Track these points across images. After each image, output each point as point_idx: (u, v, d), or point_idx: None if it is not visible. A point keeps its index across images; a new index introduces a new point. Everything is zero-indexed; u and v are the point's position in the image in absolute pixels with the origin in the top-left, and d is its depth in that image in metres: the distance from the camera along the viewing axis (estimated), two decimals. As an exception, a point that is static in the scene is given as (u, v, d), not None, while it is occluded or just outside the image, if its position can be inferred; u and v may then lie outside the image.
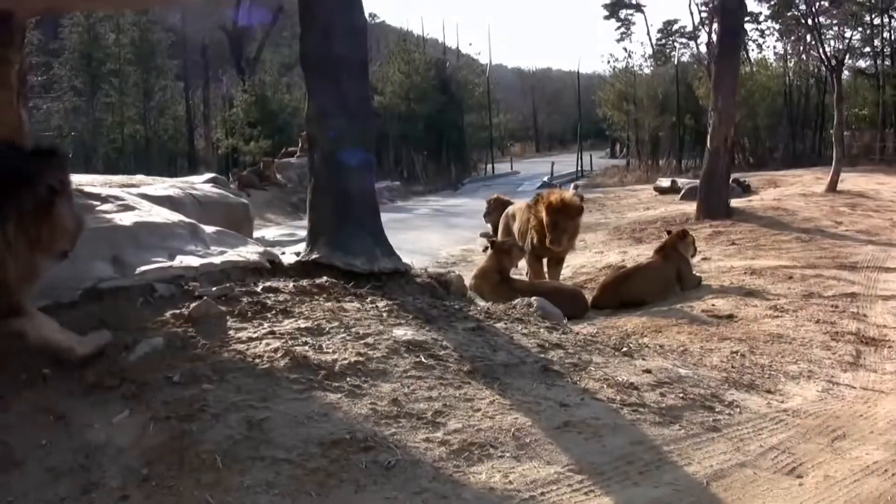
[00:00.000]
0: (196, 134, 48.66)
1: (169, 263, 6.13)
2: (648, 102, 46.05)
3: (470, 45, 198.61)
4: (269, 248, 7.76)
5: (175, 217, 7.24)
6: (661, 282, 10.96)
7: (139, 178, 10.53)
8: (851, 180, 25.90)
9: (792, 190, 25.22)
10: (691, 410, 5.25)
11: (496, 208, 15.18)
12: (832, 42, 40.60)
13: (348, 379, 4.69)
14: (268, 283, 6.27)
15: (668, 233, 11.85)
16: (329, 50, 7.80)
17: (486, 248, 11.85)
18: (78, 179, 7.42)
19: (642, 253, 14.21)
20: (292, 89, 45.55)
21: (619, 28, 67.11)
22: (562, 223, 11.09)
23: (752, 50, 48.94)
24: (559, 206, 11.13)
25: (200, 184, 10.88)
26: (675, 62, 50.62)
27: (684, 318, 9.23)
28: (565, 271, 12.79)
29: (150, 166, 34.04)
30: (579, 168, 45.71)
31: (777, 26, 49.07)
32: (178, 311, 5.35)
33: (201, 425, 4.06)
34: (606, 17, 67.23)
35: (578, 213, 11.44)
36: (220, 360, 4.73)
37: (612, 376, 5.58)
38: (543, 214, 11.19)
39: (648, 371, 5.92)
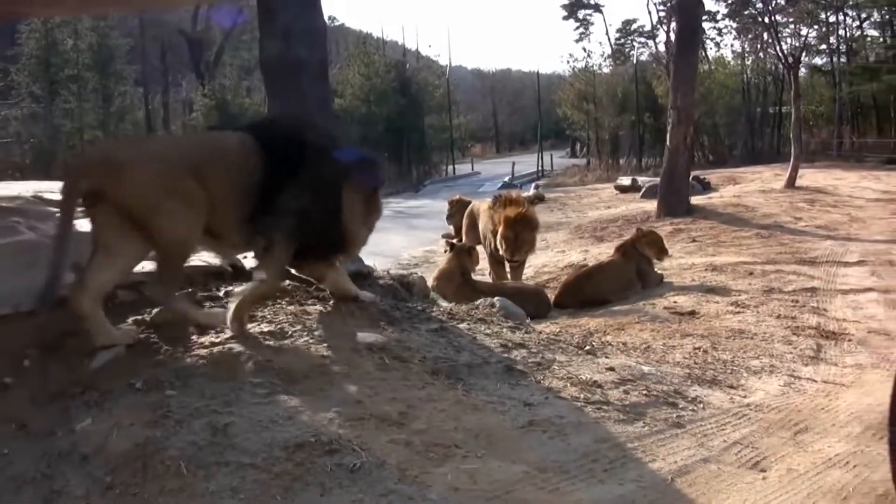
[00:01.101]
0: (156, 139, 48.33)
1: (130, 269, 6.08)
2: (608, 102, 46.34)
3: (430, 46, 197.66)
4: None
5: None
6: (623, 280, 11.03)
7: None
8: (810, 176, 26.20)
9: (751, 187, 25.47)
10: (655, 407, 5.27)
11: (458, 210, 15.21)
12: (789, 40, 41.02)
13: (312, 382, 4.67)
14: (230, 288, 6.23)
15: (638, 231, 11.89)
16: (288, 52, 7.77)
17: (446, 250, 11.89)
18: (37, 187, 7.35)
19: (604, 251, 14.29)
20: (253, 93, 45.40)
21: (577, 28, 67.93)
22: (521, 236, 11.24)
23: (710, 48, 49.64)
24: (517, 219, 11.25)
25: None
26: (635, 61, 51.01)
27: (647, 315, 9.29)
28: (527, 271, 12.83)
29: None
30: (540, 168, 45.83)
31: (734, 24, 49.82)
32: (139, 317, 5.31)
33: (165, 431, 4.03)
34: (565, 18, 67.97)
35: (536, 227, 11.63)
36: (183, 365, 4.69)
37: (576, 375, 5.59)
38: (501, 227, 11.28)
39: (612, 369, 5.94)
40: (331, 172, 5.49)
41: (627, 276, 11.08)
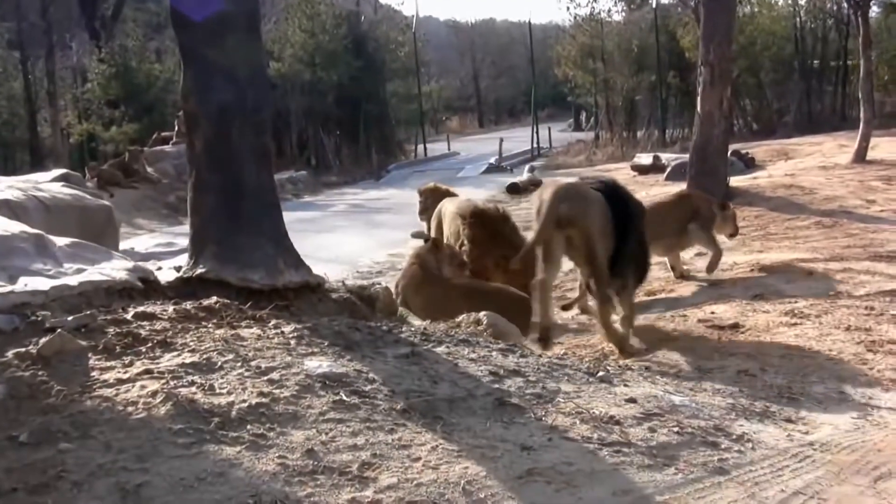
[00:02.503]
0: (39, 118, 48.01)
1: (9, 288, 6.05)
2: (621, 58, 46.14)
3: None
4: (140, 263, 7.69)
5: (15, 227, 7.16)
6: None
7: (-35, 178, 10.41)
8: (885, 147, 26.13)
9: (808, 162, 25.44)
10: (690, 448, 5.28)
11: (433, 201, 15.18)
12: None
13: (249, 427, 4.67)
14: (141, 308, 6.22)
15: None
16: (208, 3, 7.75)
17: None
18: None
19: (620, 250, 14.28)
20: (164, 56, 45.27)
21: (579, -37, 67.55)
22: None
23: (752, -15, 49.25)
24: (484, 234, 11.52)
25: (47, 183, 10.80)
26: (654, 5, 50.66)
27: (676, 330, 9.31)
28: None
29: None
30: (535, 145, 45.73)
31: (783, -49, 49.41)
32: (23, 350, 5.28)
33: (60, 497, 4.01)
34: (563, -50, 67.69)
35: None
36: (81, 410, 4.68)
37: (587, 409, 5.60)
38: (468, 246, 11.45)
39: (633, 400, 5.95)
40: (642, 224, 9.73)
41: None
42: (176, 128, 31.91)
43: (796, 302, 10.16)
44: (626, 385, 6.50)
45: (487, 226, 11.72)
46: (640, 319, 10.19)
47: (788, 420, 6.29)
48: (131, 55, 41.92)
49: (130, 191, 28.47)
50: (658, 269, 13.00)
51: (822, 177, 21.06)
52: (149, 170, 30.39)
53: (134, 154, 30.66)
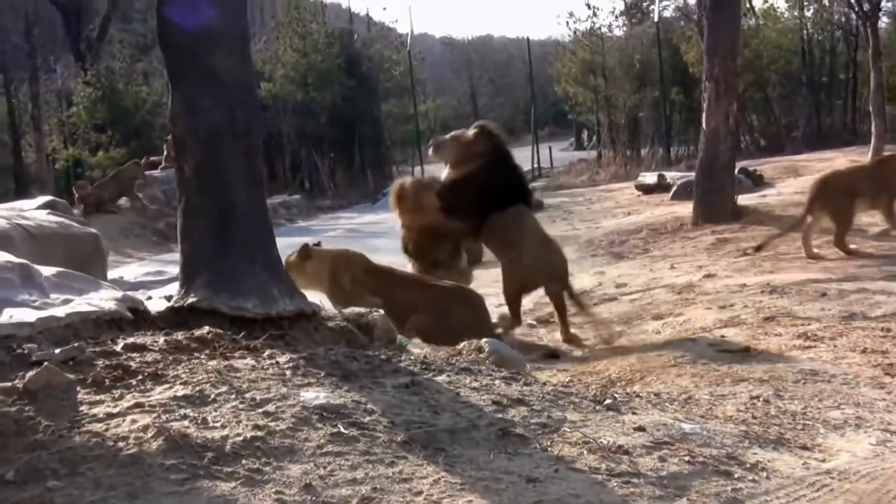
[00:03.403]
0: (24, 144, 48.07)
1: (-6, 320, 6.05)
2: (622, 74, 46.28)
3: (384, 9, 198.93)
4: (130, 293, 7.69)
5: (-1, 257, 7.16)
6: None
7: (-53, 206, 10.41)
8: (900, 161, 26.14)
9: (819, 179, 25.42)
10: (702, 478, 5.26)
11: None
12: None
13: (244, 461, 4.65)
14: (130, 340, 6.21)
15: None
16: (197, 22, 7.75)
17: None
18: None
19: (625, 273, 14.32)
20: (151, 78, 45.35)
21: (579, -22, 67.73)
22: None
23: (757, -4, 49.25)
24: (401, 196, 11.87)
25: (33, 211, 10.81)
26: (656, 19, 50.70)
27: (685, 355, 9.29)
28: (525, 302, 12.83)
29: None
30: (535, 165, 45.89)
31: (788, -38, 49.41)
32: (9, 384, 5.26)
33: (48, 536, 4.01)
34: (562, -35, 67.86)
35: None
36: (69, 446, 4.66)
37: (594, 438, 5.58)
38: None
39: (641, 429, 5.93)
40: None
41: None
42: (165, 152, 31.89)
43: (809, 324, 10.14)
44: (634, 413, 6.48)
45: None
46: (648, 345, 10.18)
47: (804, 447, 6.25)
48: (118, 77, 42.01)
49: (118, 217, 28.44)
50: (664, 291, 13.01)
51: (834, 194, 21.06)
52: (138, 195, 30.37)
53: (132, 169, 30.54)
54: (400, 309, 9.62)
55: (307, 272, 10.66)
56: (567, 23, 53.28)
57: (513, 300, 12.01)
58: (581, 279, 15.31)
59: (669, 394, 7.77)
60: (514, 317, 11.95)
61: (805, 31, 44.93)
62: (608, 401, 6.71)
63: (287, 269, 10.78)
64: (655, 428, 6.00)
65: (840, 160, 29.02)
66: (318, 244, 11.56)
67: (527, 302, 13.18)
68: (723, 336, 10.02)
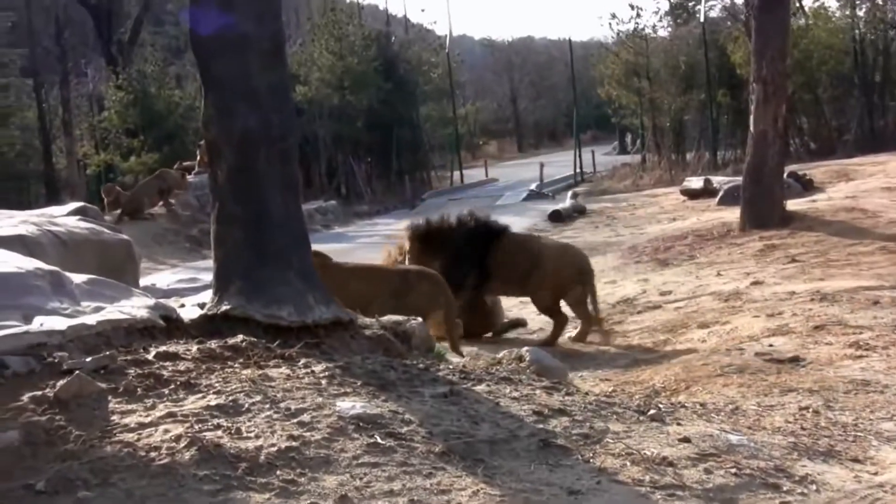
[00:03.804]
0: (55, 149, 48.20)
1: (24, 328, 6.07)
2: (667, 76, 45.99)
3: (423, 11, 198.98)
4: (162, 301, 7.73)
5: (30, 264, 7.19)
6: None
7: (-24, 212, 10.46)
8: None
9: (871, 183, 25.23)
10: (749, 491, 5.24)
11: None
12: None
13: (279, 472, 4.66)
14: (163, 348, 6.24)
15: None
16: (230, 24, 7.77)
17: None
18: None
19: (669, 280, 14.27)
20: (184, 82, 45.46)
21: (622, -23, 67.54)
22: None
23: (807, -5, 48.82)
24: None
25: (63, 217, 10.84)
26: (702, 19, 50.34)
27: (732, 364, 9.24)
28: (567, 308, 12.85)
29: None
30: (578, 170, 45.75)
31: (839, -40, 48.96)
32: (39, 393, 5.29)
33: (79, 548, 4.02)
34: (605, -36, 67.71)
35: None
36: (100, 456, 4.68)
37: (638, 449, 5.57)
38: None
39: (686, 440, 5.91)
40: None
41: None
42: (198, 157, 31.92)
43: (861, 333, 10.08)
44: (679, 424, 6.46)
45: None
46: (694, 354, 10.14)
47: (855, 460, 6.21)
48: (150, 81, 42.04)
49: (150, 223, 28.55)
50: (710, 299, 12.97)
51: (887, 198, 20.94)
52: (171, 202, 30.50)
53: (175, 178, 30.67)
54: (363, 300, 9.78)
55: None
56: (610, 24, 52.82)
57: (549, 309, 12.73)
58: (624, 286, 15.28)
59: (715, 404, 7.73)
60: (557, 323, 12.54)
61: (857, 31, 44.27)
62: (652, 411, 6.69)
63: None
64: (701, 439, 5.98)
65: (893, 163, 28.84)
66: None
67: (568, 310, 13.17)
68: (771, 345, 9.97)
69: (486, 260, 12.83)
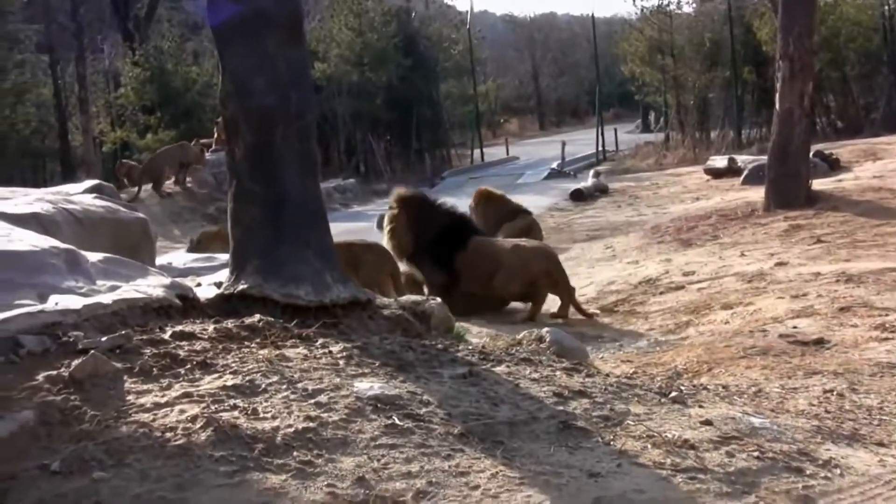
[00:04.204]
0: (70, 126, 48.16)
1: (39, 307, 6.07)
2: (692, 53, 45.78)
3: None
4: (178, 280, 7.73)
5: (45, 242, 7.20)
6: None
7: (-8, 189, 10.47)
8: None
9: (900, 162, 25.15)
10: (771, 475, 5.22)
11: (485, 210, 15.49)
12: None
13: (295, 453, 4.67)
14: (179, 328, 6.25)
15: None
16: (222, 8, 7.76)
17: None
18: None
19: (693, 260, 14.24)
20: (201, 59, 45.47)
21: (645, -48, 67.31)
22: None
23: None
24: None
25: (79, 195, 10.85)
26: (727, -5, 50.31)
27: (755, 346, 9.23)
28: (588, 289, 12.89)
29: (6, 172, 33.81)
30: (601, 148, 45.64)
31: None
32: (54, 373, 5.29)
33: (94, 529, 4.03)
34: (628, -61, 67.47)
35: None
36: (116, 436, 4.69)
37: (659, 432, 5.56)
38: None
39: (708, 423, 5.90)
40: None
41: None
42: (215, 134, 32.00)
43: (887, 315, 10.05)
44: (700, 406, 6.46)
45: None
46: (716, 336, 10.13)
47: (881, 444, 6.19)
48: (167, 57, 42.08)
49: (167, 201, 28.61)
50: (734, 280, 12.95)
51: (916, 178, 20.86)
52: (188, 179, 30.57)
53: (194, 152, 30.75)
54: None
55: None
56: (633, 0, 52.61)
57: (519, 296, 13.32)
58: (647, 267, 15.26)
59: (738, 386, 7.73)
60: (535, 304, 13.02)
61: (886, 7, 43.93)
62: (674, 393, 6.69)
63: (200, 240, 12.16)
64: (723, 422, 5.97)
65: (921, 143, 28.73)
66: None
67: (590, 291, 13.18)
68: (795, 327, 9.96)
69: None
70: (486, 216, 16.21)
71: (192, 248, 15.87)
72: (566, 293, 12.58)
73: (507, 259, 12.92)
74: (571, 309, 12.44)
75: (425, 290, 13.11)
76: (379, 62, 43.30)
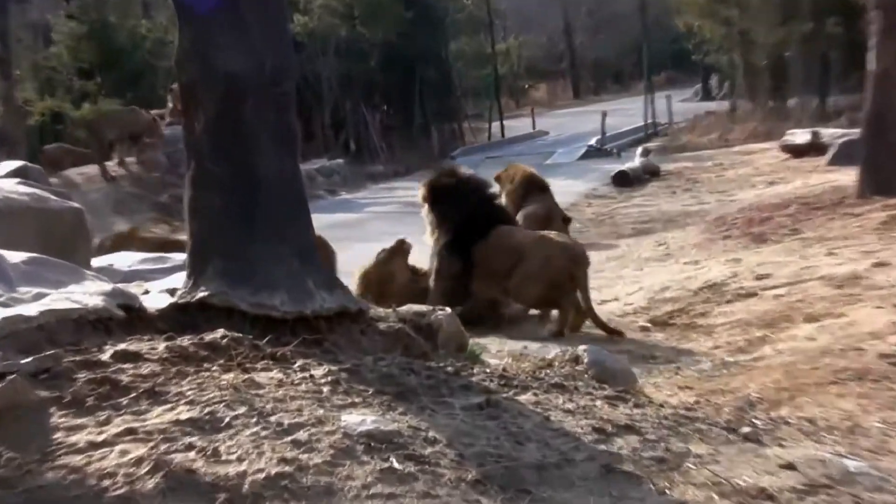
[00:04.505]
0: (-11, 94, 48.52)
1: (-54, 320, 6.07)
2: (762, 2, 45.87)
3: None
4: (121, 286, 7.70)
5: (-46, 239, 7.18)
6: None
7: None
8: None
9: None
10: (871, 532, 5.20)
11: (514, 189, 15.56)
12: None
13: (268, 506, 4.64)
14: (122, 346, 6.22)
15: None
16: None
17: None
18: None
19: (767, 260, 14.21)
20: (153, 11, 45.59)
21: None
22: None
23: None
24: None
25: (-1, 179, 10.85)
26: (807, -72, 50.34)
27: (849, 369, 9.19)
28: (637, 295, 12.89)
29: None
30: (650, 120, 45.74)
31: None
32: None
33: None
34: None
35: None
36: (40, 484, 4.66)
37: (727, 478, 5.53)
38: None
39: (791, 466, 5.87)
40: None
41: None
42: (170, 104, 32.01)
43: None
44: (780, 445, 6.43)
45: None
46: (799, 356, 10.10)
47: None
48: (109, 9, 42.20)
49: (108, 187, 28.63)
50: (820, 285, 12.91)
51: None
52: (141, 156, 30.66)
53: (146, 120, 30.80)
54: None
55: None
56: (690, -66, 52.73)
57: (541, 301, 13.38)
58: (710, 268, 15.24)
59: (828, 420, 7.69)
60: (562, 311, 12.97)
61: None
62: (746, 429, 6.66)
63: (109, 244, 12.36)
64: (809, 465, 5.94)
65: None
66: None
67: (639, 299, 13.17)
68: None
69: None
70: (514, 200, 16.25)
71: (98, 254, 15.82)
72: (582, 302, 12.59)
73: (529, 253, 12.94)
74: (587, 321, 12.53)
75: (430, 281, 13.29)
76: (373, 14, 43.39)
